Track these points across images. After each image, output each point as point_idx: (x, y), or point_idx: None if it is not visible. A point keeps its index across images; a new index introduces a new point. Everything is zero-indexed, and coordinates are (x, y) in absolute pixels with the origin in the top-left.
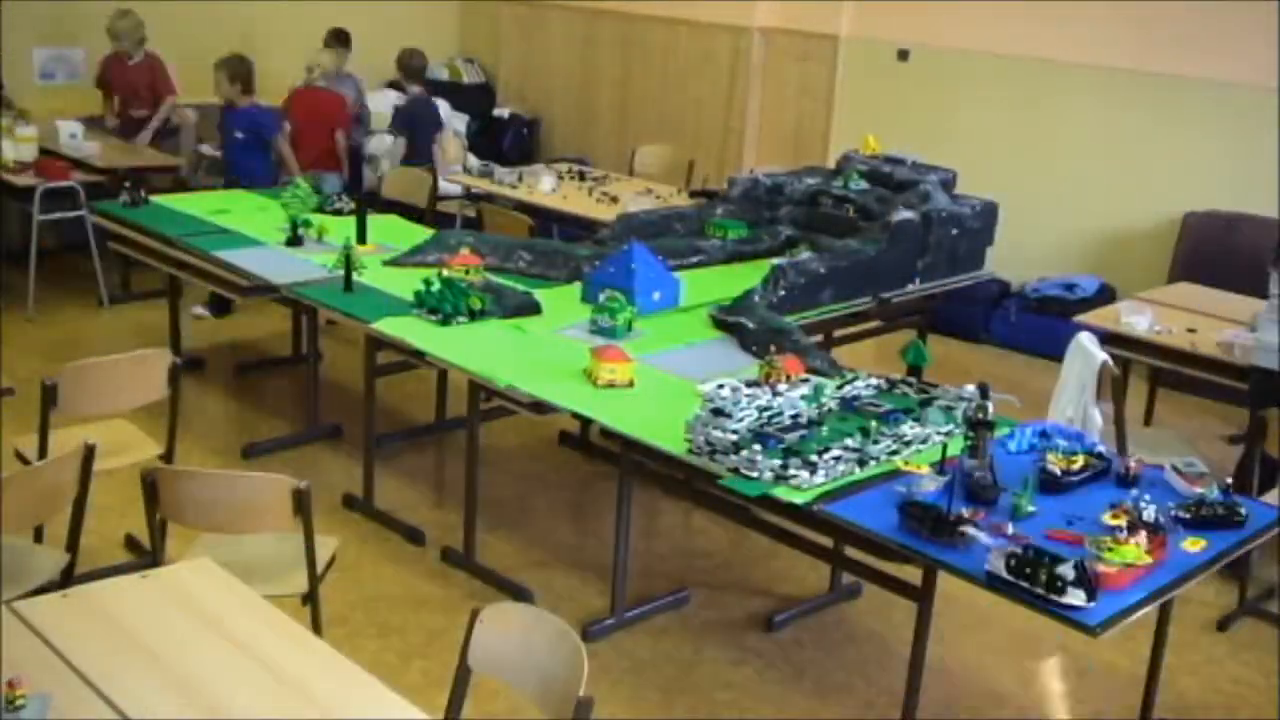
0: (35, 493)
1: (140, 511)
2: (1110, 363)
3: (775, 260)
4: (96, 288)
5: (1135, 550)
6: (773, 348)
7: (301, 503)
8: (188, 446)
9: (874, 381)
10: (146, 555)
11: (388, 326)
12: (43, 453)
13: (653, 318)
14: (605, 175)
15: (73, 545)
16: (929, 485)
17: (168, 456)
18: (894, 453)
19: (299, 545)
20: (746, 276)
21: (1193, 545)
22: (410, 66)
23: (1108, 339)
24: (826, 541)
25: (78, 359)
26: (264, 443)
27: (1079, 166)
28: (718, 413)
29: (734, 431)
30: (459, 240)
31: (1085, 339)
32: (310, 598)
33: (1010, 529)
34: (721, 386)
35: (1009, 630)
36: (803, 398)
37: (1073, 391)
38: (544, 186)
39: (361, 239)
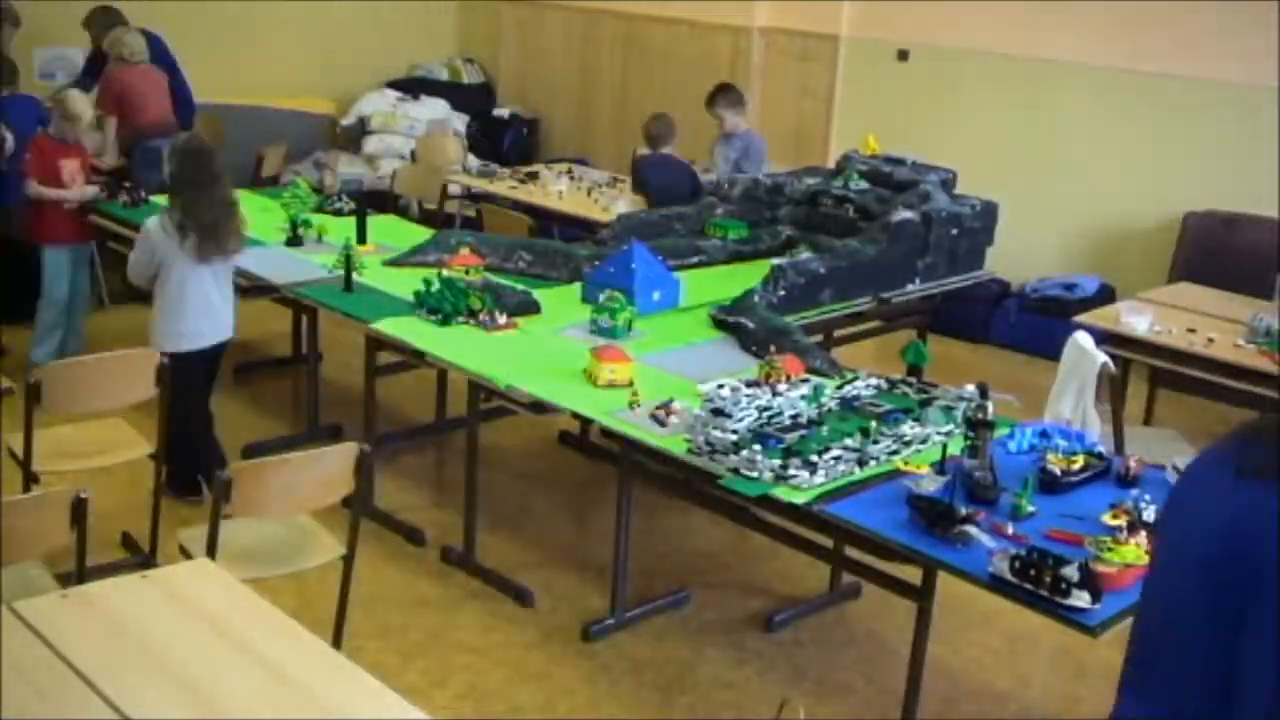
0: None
1: (136, 510)
2: (1110, 363)
3: (775, 260)
4: (98, 287)
5: (1135, 550)
6: (773, 348)
7: (363, 465)
8: None
9: (874, 381)
10: (141, 554)
11: (388, 326)
12: (27, 451)
13: (653, 318)
14: (614, 180)
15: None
16: (929, 485)
17: (158, 455)
18: (894, 453)
19: (299, 528)
20: (746, 276)
21: None
22: (653, 134)
23: (1108, 339)
24: (826, 541)
25: (77, 357)
26: (264, 443)
27: (1079, 166)
28: (718, 413)
29: (734, 431)
30: (459, 240)
31: (1081, 338)
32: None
33: (1010, 529)
34: (721, 386)
35: (1009, 630)
36: (803, 398)
37: (1071, 392)
38: (556, 188)
39: (361, 239)
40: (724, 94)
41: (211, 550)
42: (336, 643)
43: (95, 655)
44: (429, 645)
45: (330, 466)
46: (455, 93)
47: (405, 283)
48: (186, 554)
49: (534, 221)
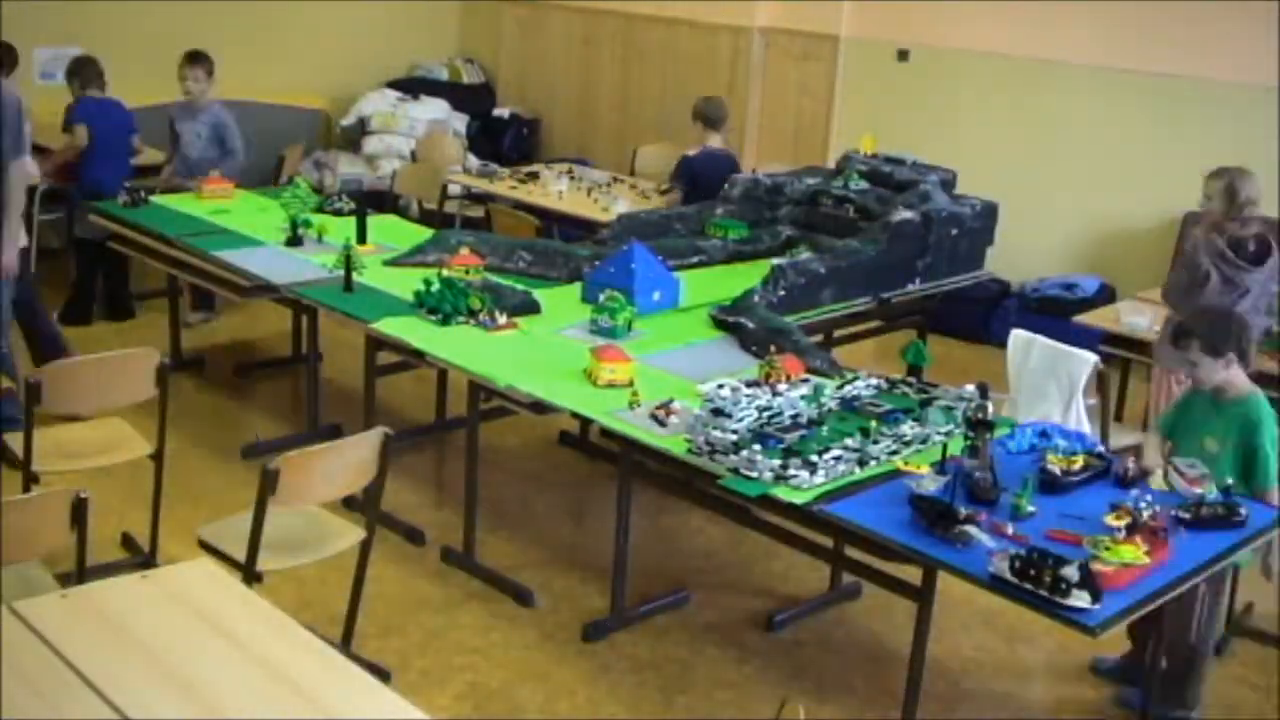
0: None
1: (134, 510)
2: (1099, 361)
3: (775, 260)
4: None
5: (1133, 550)
6: (773, 348)
7: (385, 450)
8: (187, 446)
9: (874, 381)
10: (141, 554)
11: (388, 326)
12: (27, 451)
13: (653, 318)
14: (614, 180)
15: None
16: (929, 485)
17: (158, 455)
18: (894, 453)
19: (313, 517)
20: (746, 276)
21: None
22: (708, 116)
23: (1108, 339)
24: (826, 541)
25: (76, 358)
26: (264, 443)
27: (1079, 166)
28: (718, 413)
29: (734, 431)
30: (459, 240)
31: (1023, 335)
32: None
33: (1010, 529)
34: (721, 386)
35: (1009, 630)
36: (803, 398)
37: (1055, 393)
38: (557, 188)
39: (361, 239)
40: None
41: (255, 544)
42: (349, 631)
43: (95, 655)
44: (429, 645)
45: (362, 453)
46: (455, 93)
47: (405, 283)
48: (210, 550)
49: (540, 222)
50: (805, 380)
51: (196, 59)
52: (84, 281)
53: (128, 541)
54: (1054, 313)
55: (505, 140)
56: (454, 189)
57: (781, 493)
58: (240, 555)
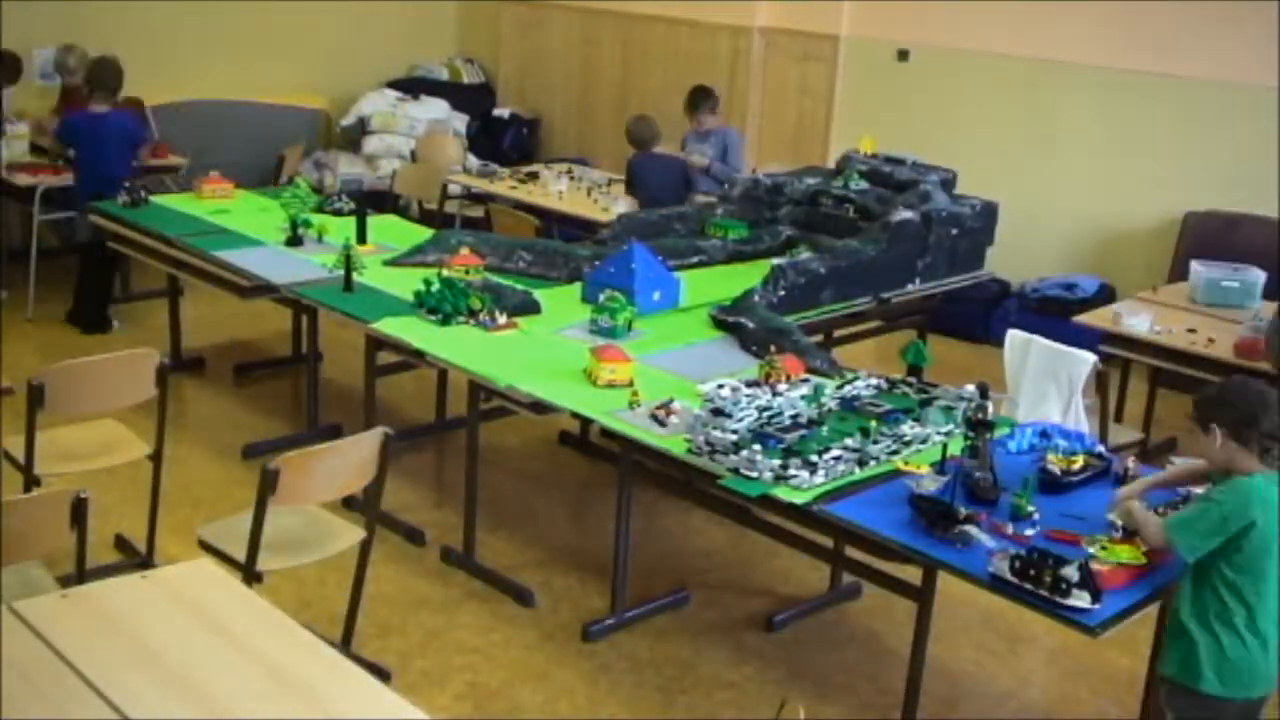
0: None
1: (133, 511)
2: (1098, 361)
3: (775, 260)
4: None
5: (1131, 550)
6: (773, 348)
7: (385, 450)
8: (188, 447)
9: (874, 381)
10: (138, 556)
11: (388, 326)
12: (29, 454)
13: (653, 318)
14: (610, 180)
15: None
16: (929, 485)
17: (157, 456)
18: (894, 453)
19: (313, 517)
20: (746, 276)
21: None
22: (638, 137)
23: (1108, 339)
24: (826, 541)
25: (77, 359)
26: (264, 443)
27: (1079, 166)
28: (718, 413)
29: (734, 431)
30: (459, 240)
31: (1021, 335)
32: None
33: (1010, 529)
34: (721, 386)
35: (1009, 630)
36: (803, 398)
37: (1054, 394)
38: (557, 188)
39: (361, 239)
40: (705, 98)
41: (255, 544)
42: (349, 631)
43: (95, 655)
44: (429, 645)
45: (362, 453)
46: (455, 93)
47: (405, 283)
48: (210, 550)
49: (540, 222)
50: (805, 380)
51: None
52: (86, 285)
53: (121, 543)
54: (1054, 313)
55: (505, 140)
56: (454, 189)
57: (781, 493)
58: (240, 555)
